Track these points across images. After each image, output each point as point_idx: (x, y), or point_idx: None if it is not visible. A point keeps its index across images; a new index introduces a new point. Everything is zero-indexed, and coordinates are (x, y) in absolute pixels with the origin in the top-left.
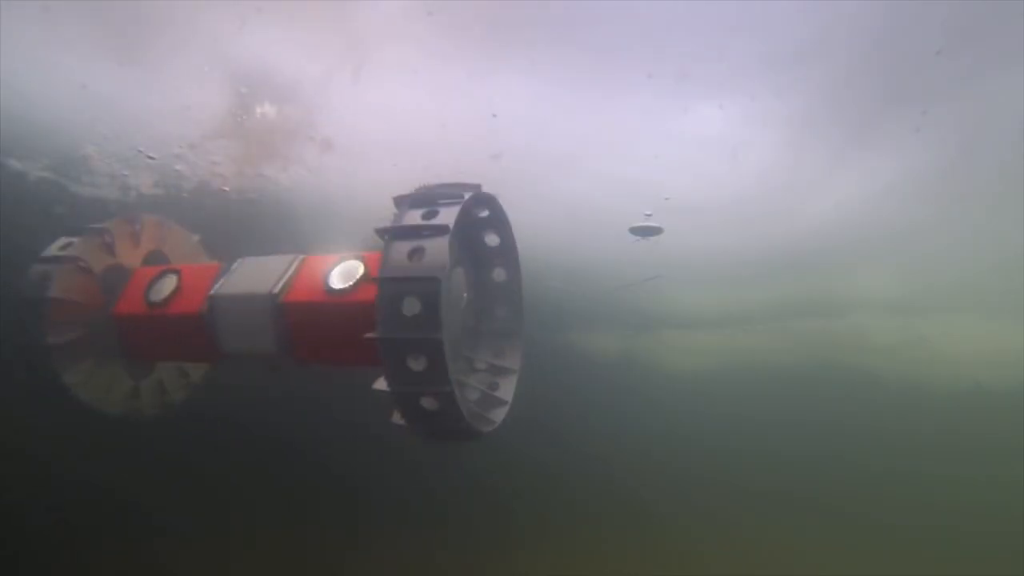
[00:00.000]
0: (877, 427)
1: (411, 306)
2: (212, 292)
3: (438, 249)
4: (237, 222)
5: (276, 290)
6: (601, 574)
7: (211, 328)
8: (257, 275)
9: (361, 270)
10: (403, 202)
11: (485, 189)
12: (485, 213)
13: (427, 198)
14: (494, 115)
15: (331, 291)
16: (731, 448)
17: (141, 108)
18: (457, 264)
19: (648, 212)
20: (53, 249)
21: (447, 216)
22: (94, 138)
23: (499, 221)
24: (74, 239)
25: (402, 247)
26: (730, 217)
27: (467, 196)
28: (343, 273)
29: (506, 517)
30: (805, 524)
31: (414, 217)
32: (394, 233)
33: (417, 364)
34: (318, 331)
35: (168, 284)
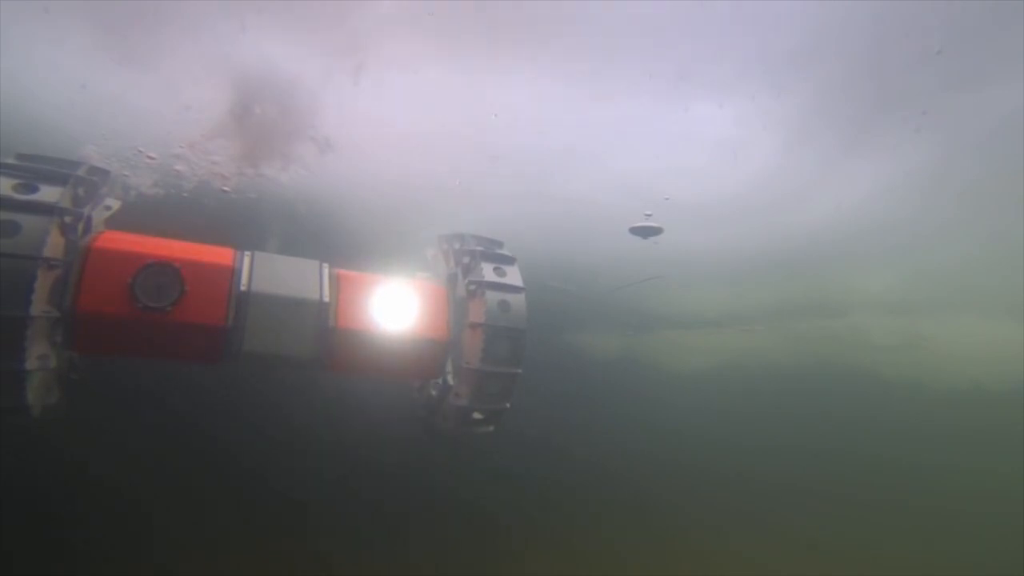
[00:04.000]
0: (877, 427)
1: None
2: (248, 290)
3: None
4: (237, 221)
5: (327, 299)
6: (602, 575)
7: (238, 329)
8: (292, 279)
9: (403, 299)
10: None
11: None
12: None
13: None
14: (494, 115)
15: (378, 315)
16: (731, 448)
17: (141, 108)
18: None
19: (648, 212)
20: None
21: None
22: (94, 138)
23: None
24: None
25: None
26: (730, 217)
27: None
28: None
29: (506, 519)
30: (805, 523)
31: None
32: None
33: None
34: (360, 346)
35: (167, 281)
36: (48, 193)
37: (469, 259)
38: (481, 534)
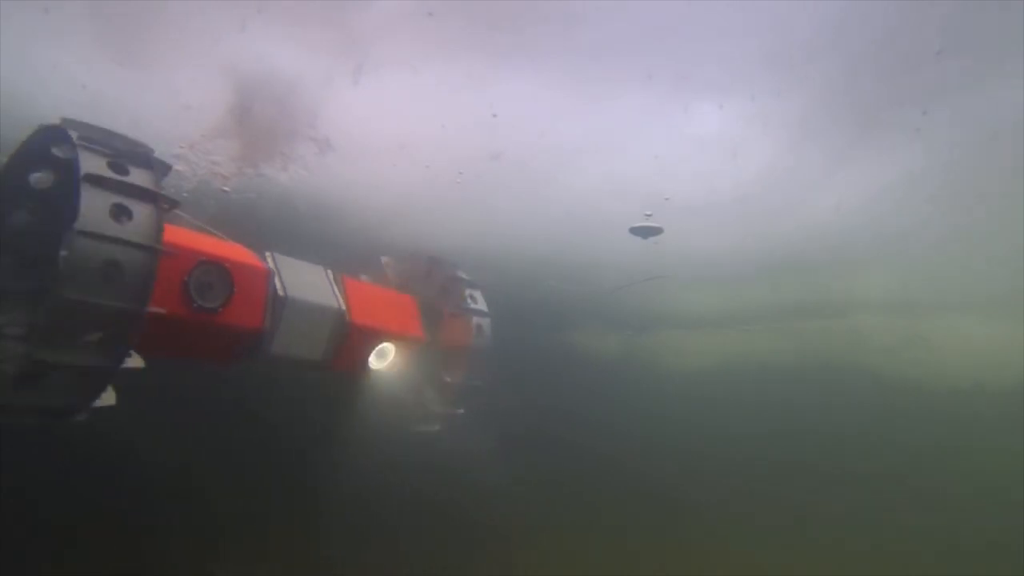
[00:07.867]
0: (877, 427)
1: None
2: (285, 295)
3: None
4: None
5: (343, 307)
6: (602, 574)
7: (270, 332)
8: (311, 284)
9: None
10: None
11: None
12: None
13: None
14: (494, 115)
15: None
16: (731, 448)
17: (141, 108)
18: None
19: (648, 212)
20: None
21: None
22: None
23: None
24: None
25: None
26: (730, 217)
27: None
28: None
29: (505, 519)
30: (805, 524)
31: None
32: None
33: None
34: (364, 349)
35: (219, 282)
36: (140, 176)
37: (449, 284)
38: (478, 534)
